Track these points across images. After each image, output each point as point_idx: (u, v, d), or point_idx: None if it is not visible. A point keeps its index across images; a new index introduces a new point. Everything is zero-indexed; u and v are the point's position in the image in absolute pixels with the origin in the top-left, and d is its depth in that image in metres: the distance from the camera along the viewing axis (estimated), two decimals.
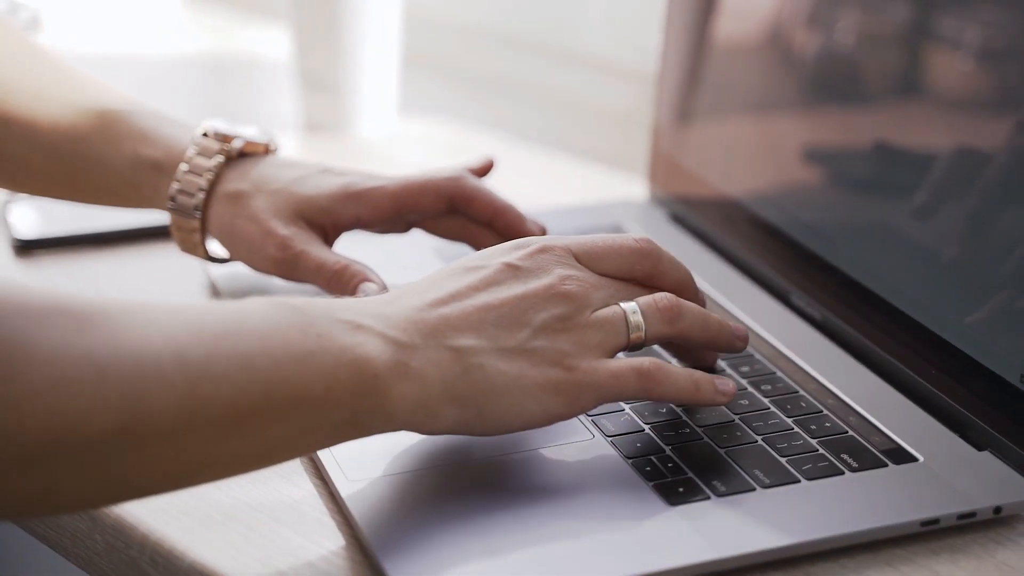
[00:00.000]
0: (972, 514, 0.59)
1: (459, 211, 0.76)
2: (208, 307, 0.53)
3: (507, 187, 0.83)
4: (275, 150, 0.77)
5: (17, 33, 0.78)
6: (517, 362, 0.57)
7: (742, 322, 0.75)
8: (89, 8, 1.51)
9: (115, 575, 0.61)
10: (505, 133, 1.17)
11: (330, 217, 0.74)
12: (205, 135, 0.75)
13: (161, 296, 0.78)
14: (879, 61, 0.73)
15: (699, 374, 0.61)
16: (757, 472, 0.61)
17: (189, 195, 0.74)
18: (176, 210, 0.74)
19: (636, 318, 0.60)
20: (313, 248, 0.72)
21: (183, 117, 0.77)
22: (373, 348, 0.54)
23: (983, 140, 0.66)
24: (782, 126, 0.82)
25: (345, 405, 0.54)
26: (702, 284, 0.79)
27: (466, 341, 0.57)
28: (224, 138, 0.74)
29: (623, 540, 0.57)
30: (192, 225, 0.74)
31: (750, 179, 0.84)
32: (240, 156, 0.75)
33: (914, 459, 0.62)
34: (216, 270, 0.80)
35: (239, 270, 0.80)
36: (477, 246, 0.76)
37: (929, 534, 0.59)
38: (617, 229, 0.88)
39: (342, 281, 0.71)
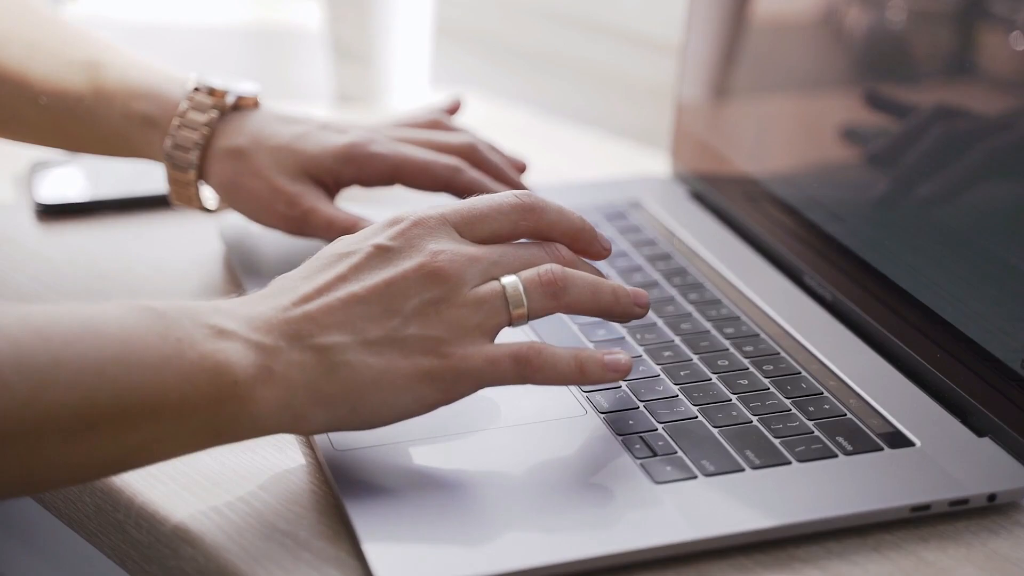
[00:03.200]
0: (964, 501, 0.58)
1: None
2: (64, 311, 0.52)
3: (532, 161, 0.83)
4: (261, 101, 0.77)
5: None
6: (387, 354, 0.55)
7: (736, 288, 0.73)
8: None
9: (104, 537, 0.61)
10: (536, 106, 1.16)
11: (332, 176, 0.74)
12: (196, 89, 0.75)
13: (175, 261, 0.80)
14: (908, 41, 0.72)
15: (585, 354, 0.58)
16: (748, 452, 0.60)
17: (185, 150, 0.74)
18: (172, 164, 0.75)
19: (516, 294, 0.57)
20: (322, 205, 0.73)
21: (173, 70, 0.77)
22: (234, 354, 0.53)
23: (994, 126, 0.64)
24: (806, 105, 0.81)
25: (203, 412, 0.53)
26: (715, 261, 0.78)
27: (331, 339, 0.55)
28: (217, 92, 0.75)
29: (602, 517, 0.56)
30: (188, 178, 0.75)
31: (769, 157, 0.83)
32: (234, 109, 0.76)
33: (911, 443, 0.61)
34: (227, 234, 0.81)
35: (250, 232, 0.80)
36: None
37: (920, 520, 0.58)
38: (636, 205, 0.87)
39: None
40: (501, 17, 1.34)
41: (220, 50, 1.28)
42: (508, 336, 0.60)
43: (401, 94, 1.10)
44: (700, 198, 0.89)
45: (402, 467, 0.59)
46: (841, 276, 0.73)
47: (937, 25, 0.69)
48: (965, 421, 0.63)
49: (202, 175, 0.75)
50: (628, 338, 0.70)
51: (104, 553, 0.62)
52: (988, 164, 0.64)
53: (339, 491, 0.57)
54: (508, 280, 0.58)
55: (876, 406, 0.64)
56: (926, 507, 0.58)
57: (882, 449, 0.61)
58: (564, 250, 0.61)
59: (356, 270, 0.57)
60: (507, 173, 0.77)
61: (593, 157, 1.04)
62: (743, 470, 0.59)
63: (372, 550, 0.54)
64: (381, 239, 0.58)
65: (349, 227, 0.72)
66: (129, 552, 0.60)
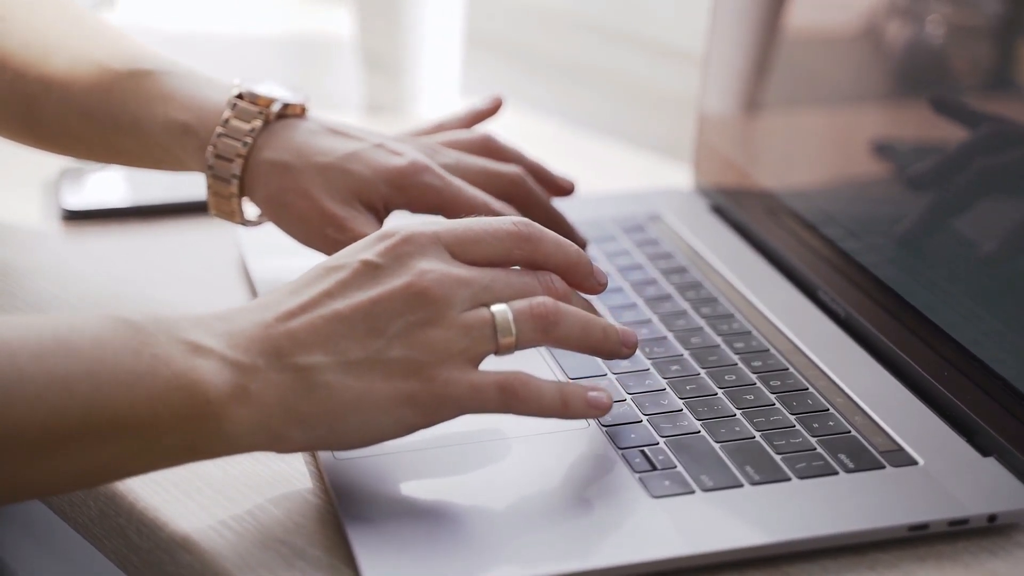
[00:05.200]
0: (964, 521, 0.58)
1: None
2: (38, 324, 0.52)
3: (561, 173, 0.82)
4: (308, 110, 0.74)
5: None
6: (367, 376, 0.54)
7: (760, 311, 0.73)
8: None
9: (107, 541, 0.62)
10: (566, 117, 1.16)
11: (383, 200, 0.72)
12: (240, 96, 0.72)
13: (196, 268, 0.81)
14: (933, 57, 0.71)
15: (570, 388, 0.57)
16: (748, 468, 0.60)
17: (227, 160, 0.71)
18: (213, 175, 0.72)
19: (506, 323, 0.56)
20: (372, 231, 0.69)
21: (218, 77, 0.75)
22: (208, 372, 0.52)
23: (1013, 146, 0.64)
24: (826, 120, 0.80)
25: (176, 430, 0.52)
26: (730, 275, 0.78)
27: (311, 358, 0.54)
28: (261, 100, 0.72)
29: (596, 531, 0.56)
30: (229, 190, 0.72)
31: (787, 172, 0.82)
32: (279, 118, 0.73)
33: (914, 462, 0.61)
34: (247, 248, 0.81)
35: (268, 242, 0.80)
36: None
37: (918, 539, 0.58)
38: (655, 218, 0.87)
39: None
40: (534, 27, 1.35)
41: (253, 59, 1.29)
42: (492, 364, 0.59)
43: (431, 104, 1.10)
44: (720, 212, 0.88)
45: (402, 477, 0.59)
46: (855, 293, 0.73)
47: (957, 41, 0.69)
48: (971, 441, 0.63)
49: (244, 188, 0.72)
50: (638, 351, 0.70)
51: (108, 558, 0.63)
52: (1006, 187, 0.63)
53: (336, 500, 0.58)
54: (498, 309, 0.57)
55: (882, 424, 0.64)
56: (924, 526, 0.57)
57: (884, 467, 0.60)
58: (558, 282, 0.60)
59: (342, 286, 0.56)
60: (551, 208, 0.76)
61: (620, 169, 1.04)
62: (742, 486, 0.59)
63: (366, 562, 0.54)
64: (369, 255, 0.57)
65: None
66: (130, 557, 0.60)
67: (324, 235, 0.71)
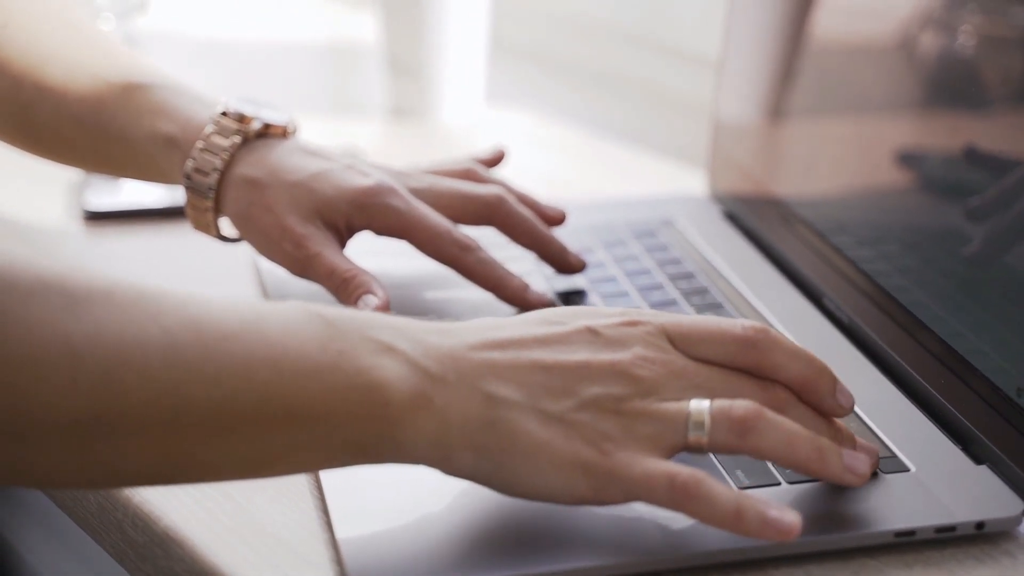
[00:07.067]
0: (951, 528, 0.58)
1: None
2: (227, 306, 0.52)
3: (580, 179, 0.83)
4: (294, 132, 0.76)
5: (67, 5, 0.80)
6: (551, 429, 0.53)
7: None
8: None
9: (105, 535, 0.63)
10: (588, 123, 1.17)
11: (345, 219, 0.73)
12: (224, 114, 0.74)
13: (210, 270, 0.82)
14: (945, 69, 0.71)
15: (748, 502, 0.53)
16: (738, 472, 0.60)
17: (204, 174, 0.73)
18: (190, 188, 0.74)
19: (700, 419, 0.54)
20: (328, 251, 0.71)
21: (208, 93, 0.77)
22: (394, 374, 0.52)
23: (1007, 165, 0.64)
24: (839, 128, 0.80)
25: (348, 428, 0.52)
26: (738, 281, 0.78)
27: (504, 391, 0.53)
28: (243, 118, 0.74)
29: (582, 531, 0.56)
30: (205, 204, 0.74)
31: (797, 179, 0.83)
32: (258, 137, 0.74)
33: (906, 469, 0.61)
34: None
35: None
36: None
37: (905, 546, 0.58)
38: (668, 224, 0.87)
39: (347, 290, 0.70)
40: (564, 36, 1.35)
41: (279, 64, 1.30)
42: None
43: (455, 109, 1.11)
44: (733, 218, 0.89)
45: (392, 479, 0.60)
46: (859, 300, 0.73)
47: (969, 50, 0.69)
48: (966, 449, 0.63)
49: (219, 202, 0.74)
50: None
51: (106, 551, 0.64)
52: (1008, 202, 0.63)
53: (329, 502, 0.58)
54: (698, 404, 0.54)
55: (876, 430, 0.64)
56: (911, 533, 0.57)
57: (875, 474, 0.60)
58: (782, 393, 0.57)
59: (558, 340, 0.55)
60: (537, 228, 0.76)
61: (639, 175, 1.04)
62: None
63: (351, 560, 0.55)
64: (595, 322, 0.56)
65: (348, 279, 0.70)
66: (127, 551, 0.61)
67: (282, 249, 0.72)
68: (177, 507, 0.59)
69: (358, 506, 0.58)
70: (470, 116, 1.12)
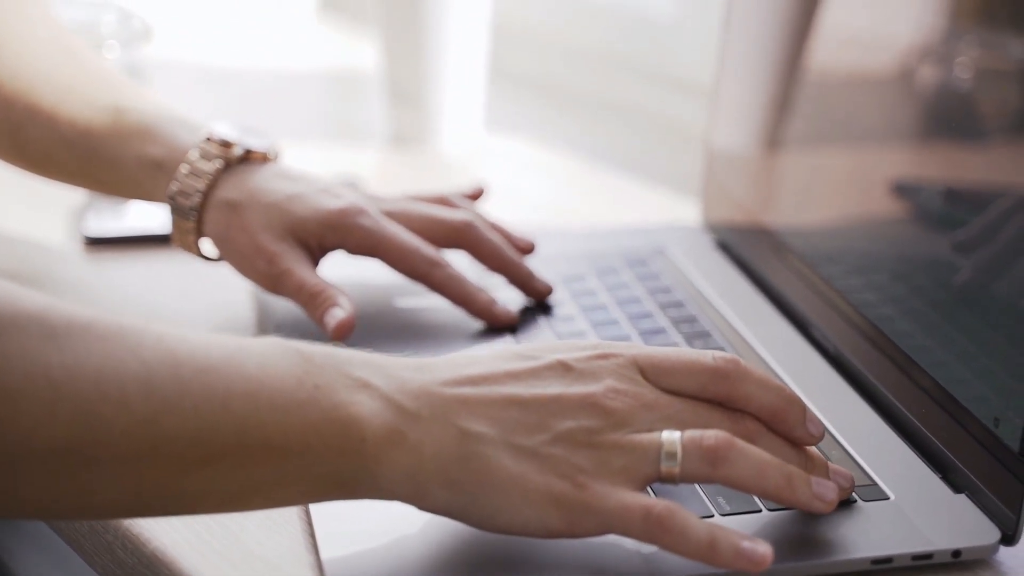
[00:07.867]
0: (928, 555, 0.58)
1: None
2: (206, 341, 0.53)
3: (577, 207, 0.84)
4: (275, 158, 0.79)
5: (61, 32, 0.82)
6: (525, 463, 0.54)
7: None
8: (200, 21, 1.57)
9: (97, 557, 0.64)
10: (588, 152, 1.17)
11: (316, 239, 0.75)
12: (209, 139, 0.77)
13: (208, 294, 0.83)
14: (944, 101, 0.72)
15: (720, 532, 0.53)
16: (720, 499, 0.61)
17: (187, 196, 0.76)
18: (174, 210, 0.76)
19: (672, 450, 0.55)
20: (298, 268, 0.74)
21: (194, 118, 0.80)
22: (369, 410, 0.53)
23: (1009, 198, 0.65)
24: (833, 162, 0.81)
25: (326, 462, 0.53)
26: (727, 311, 0.79)
27: (477, 426, 0.54)
28: (226, 144, 0.76)
29: (560, 555, 0.57)
30: (188, 226, 0.76)
31: (788, 209, 0.83)
32: (240, 162, 0.77)
33: (885, 497, 0.62)
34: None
35: None
36: None
37: (882, 573, 0.58)
38: (659, 253, 0.88)
39: (315, 304, 0.73)
40: (567, 65, 1.37)
41: (281, 92, 1.32)
42: None
43: (454, 137, 1.12)
44: (726, 248, 0.90)
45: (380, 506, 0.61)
46: (845, 330, 0.74)
47: (962, 83, 0.70)
48: (945, 477, 0.64)
49: (201, 224, 0.77)
50: None
51: (96, 572, 0.65)
52: (994, 236, 0.64)
53: (316, 525, 0.59)
54: (670, 435, 0.55)
55: (858, 458, 0.65)
56: (888, 560, 0.58)
57: (855, 501, 0.61)
58: (751, 422, 0.58)
59: (530, 375, 0.56)
60: (504, 253, 0.78)
61: (635, 203, 1.05)
62: (711, 516, 0.60)
63: None
64: (567, 356, 0.57)
65: (316, 293, 0.73)
66: (117, 572, 0.62)
67: (255, 267, 0.75)
68: (167, 529, 0.60)
69: (343, 529, 0.59)
70: (469, 144, 1.13)
